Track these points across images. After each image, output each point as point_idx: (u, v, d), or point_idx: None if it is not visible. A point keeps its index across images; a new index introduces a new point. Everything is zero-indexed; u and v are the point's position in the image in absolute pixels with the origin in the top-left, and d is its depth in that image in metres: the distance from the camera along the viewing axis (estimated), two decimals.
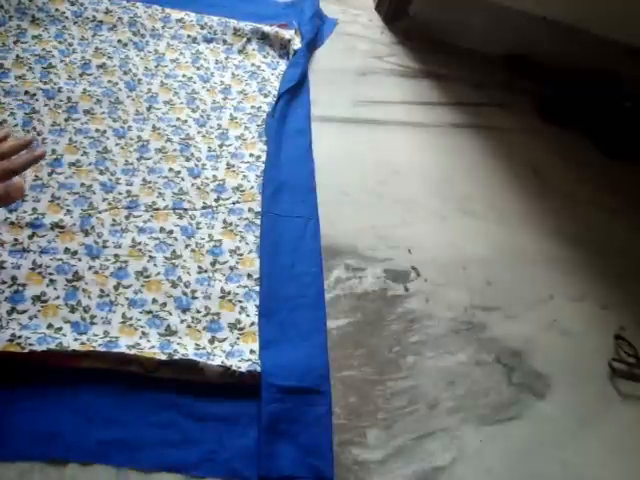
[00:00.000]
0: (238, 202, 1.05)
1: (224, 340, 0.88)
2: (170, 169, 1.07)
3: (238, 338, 0.89)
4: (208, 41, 1.32)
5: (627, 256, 1.22)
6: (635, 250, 1.24)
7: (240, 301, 0.93)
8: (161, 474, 0.76)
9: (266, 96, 1.25)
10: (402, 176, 1.23)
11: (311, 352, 0.90)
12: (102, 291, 0.89)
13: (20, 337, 0.79)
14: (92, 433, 0.77)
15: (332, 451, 0.82)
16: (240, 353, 0.87)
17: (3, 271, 0.87)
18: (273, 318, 0.92)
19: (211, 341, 0.88)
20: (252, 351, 0.87)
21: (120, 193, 1.01)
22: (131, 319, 0.87)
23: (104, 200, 0.99)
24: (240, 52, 1.33)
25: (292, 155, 1.15)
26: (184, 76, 1.23)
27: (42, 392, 0.78)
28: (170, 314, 0.89)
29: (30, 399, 0.78)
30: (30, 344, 0.78)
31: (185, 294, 0.92)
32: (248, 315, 0.91)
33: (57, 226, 0.94)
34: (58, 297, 0.86)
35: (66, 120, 1.08)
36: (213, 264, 0.96)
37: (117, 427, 0.78)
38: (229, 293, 0.93)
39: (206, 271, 0.95)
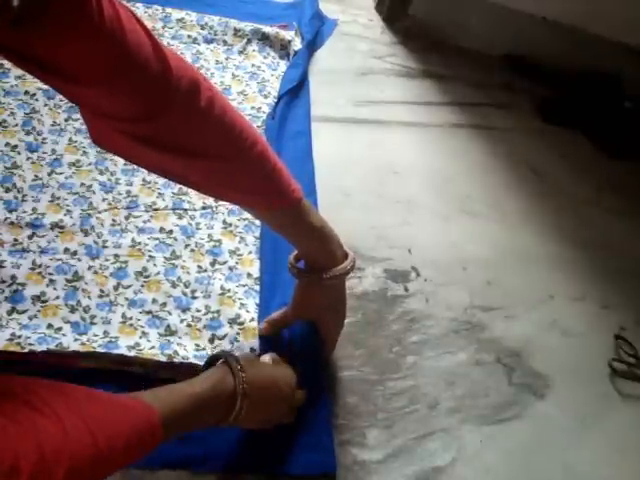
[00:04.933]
0: None
1: (224, 337, 0.88)
2: None
3: (238, 334, 0.88)
4: (208, 41, 1.32)
5: (627, 256, 1.22)
6: (635, 250, 1.23)
7: (240, 298, 0.92)
8: (163, 471, 0.76)
9: (266, 97, 1.25)
10: (402, 176, 1.23)
11: (311, 352, 0.90)
12: (102, 291, 0.89)
13: (20, 337, 0.79)
14: None
15: (334, 448, 0.81)
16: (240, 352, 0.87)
17: (3, 270, 0.86)
18: None
19: (211, 340, 0.87)
20: (252, 350, 0.87)
21: (120, 193, 1.01)
22: (131, 319, 0.87)
23: (104, 200, 0.99)
24: (240, 53, 1.33)
25: (292, 156, 1.15)
26: None
27: None
28: (170, 314, 0.89)
29: None
30: (30, 344, 0.78)
31: (185, 294, 0.92)
32: (248, 311, 0.91)
33: (57, 226, 0.94)
34: (58, 297, 0.86)
35: (66, 120, 1.08)
36: (213, 264, 0.96)
37: None
38: (229, 291, 0.93)
39: (205, 270, 0.95)
